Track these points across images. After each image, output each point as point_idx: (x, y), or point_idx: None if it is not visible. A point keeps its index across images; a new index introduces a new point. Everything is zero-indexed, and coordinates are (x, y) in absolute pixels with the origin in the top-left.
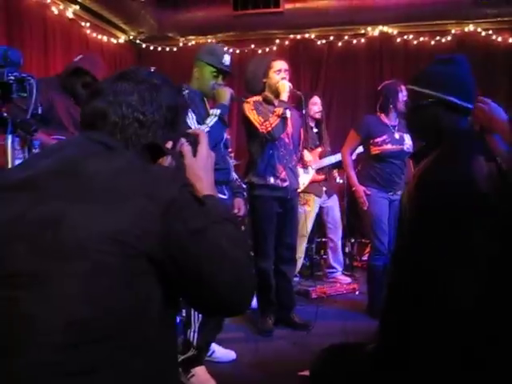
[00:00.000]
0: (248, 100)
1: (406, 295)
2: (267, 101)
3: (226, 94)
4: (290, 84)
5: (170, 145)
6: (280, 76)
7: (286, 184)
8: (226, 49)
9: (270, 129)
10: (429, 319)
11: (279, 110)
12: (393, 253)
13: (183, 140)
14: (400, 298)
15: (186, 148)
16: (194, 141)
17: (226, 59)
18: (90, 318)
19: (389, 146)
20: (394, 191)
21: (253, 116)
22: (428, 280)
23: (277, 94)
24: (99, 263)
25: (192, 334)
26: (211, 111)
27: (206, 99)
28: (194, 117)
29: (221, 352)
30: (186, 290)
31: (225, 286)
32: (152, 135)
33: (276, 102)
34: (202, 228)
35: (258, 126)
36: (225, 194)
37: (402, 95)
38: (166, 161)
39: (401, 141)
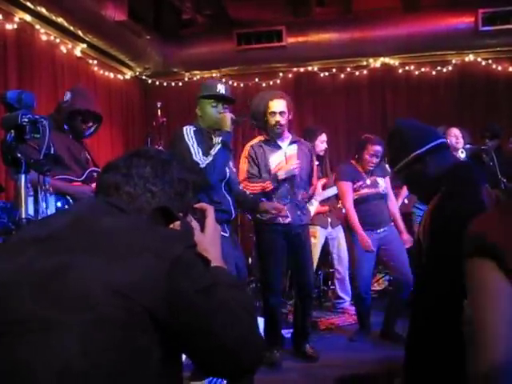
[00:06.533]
0: (250, 143)
1: (432, 329)
2: (268, 141)
3: (226, 119)
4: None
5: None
6: (275, 118)
7: (288, 220)
8: (220, 80)
9: (245, 189)
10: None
11: (267, 186)
12: (414, 289)
13: (190, 217)
14: (426, 331)
15: (194, 225)
16: (200, 216)
17: (220, 88)
18: (86, 372)
19: (365, 190)
20: (380, 227)
21: (242, 166)
22: (451, 310)
23: (270, 132)
24: (101, 317)
25: None
26: (214, 140)
27: (213, 136)
28: (200, 150)
29: None
30: (193, 348)
31: (233, 343)
32: (163, 204)
33: (282, 145)
34: (209, 286)
35: (240, 178)
36: (226, 232)
37: (372, 150)
38: (177, 226)
39: (375, 185)
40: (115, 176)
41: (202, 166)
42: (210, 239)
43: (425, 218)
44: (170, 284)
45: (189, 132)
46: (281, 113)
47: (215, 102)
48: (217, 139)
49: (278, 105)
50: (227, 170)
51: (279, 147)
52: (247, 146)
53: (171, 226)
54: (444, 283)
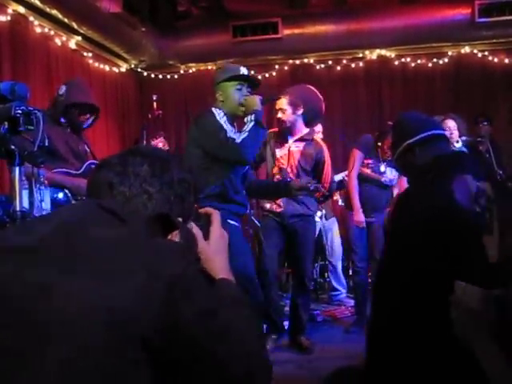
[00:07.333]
0: (272, 131)
1: (392, 314)
2: (279, 133)
3: (254, 100)
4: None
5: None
6: (277, 115)
7: (280, 210)
8: (240, 65)
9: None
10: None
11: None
12: (376, 276)
13: (193, 224)
14: (386, 316)
15: (196, 232)
16: (205, 223)
17: (243, 70)
18: None
19: (368, 171)
20: (368, 213)
21: None
22: (411, 299)
23: (281, 130)
24: (85, 346)
25: None
26: (246, 119)
27: (235, 124)
28: (233, 129)
29: None
30: (194, 378)
31: (241, 370)
32: (160, 208)
33: (290, 140)
34: (212, 309)
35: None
36: (237, 222)
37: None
38: (177, 236)
39: (382, 173)
40: (109, 174)
41: (238, 141)
42: (215, 248)
43: (392, 206)
44: (168, 308)
45: (219, 111)
46: (280, 109)
47: (240, 85)
48: (249, 117)
49: (278, 102)
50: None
51: (286, 142)
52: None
53: (170, 235)
54: (400, 277)
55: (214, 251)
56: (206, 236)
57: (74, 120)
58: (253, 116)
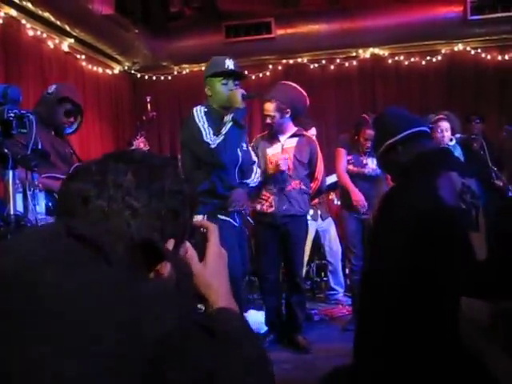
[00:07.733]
0: (259, 135)
1: (379, 316)
2: (269, 134)
3: (236, 96)
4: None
5: (171, 244)
6: (266, 120)
7: (271, 210)
8: (226, 56)
9: None
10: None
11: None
12: (362, 275)
13: (188, 244)
14: (373, 319)
15: (191, 253)
16: (200, 240)
17: (228, 63)
18: None
19: (350, 167)
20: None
21: None
22: (398, 298)
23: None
24: None
25: None
26: (225, 118)
27: (225, 116)
28: (211, 130)
29: None
30: None
31: None
32: (148, 228)
33: (281, 139)
34: (212, 371)
35: None
36: (236, 222)
37: (367, 134)
38: (166, 268)
39: (364, 165)
40: (85, 185)
41: (213, 145)
42: (213, 270)
43: (377, 205)
44: (153, 377)
45: (199, 112)
46: (268, 116)
47: (225, 79)
48: (228, 117)
49: (266, 107)
50: (239, 154)
51: (278, 140)
52: (256, 137)
53: (157, 268)
54: (388, 275)
55: (212, 274)
56: (202, 255)
57: (58, 120)
58: (231, 116)
